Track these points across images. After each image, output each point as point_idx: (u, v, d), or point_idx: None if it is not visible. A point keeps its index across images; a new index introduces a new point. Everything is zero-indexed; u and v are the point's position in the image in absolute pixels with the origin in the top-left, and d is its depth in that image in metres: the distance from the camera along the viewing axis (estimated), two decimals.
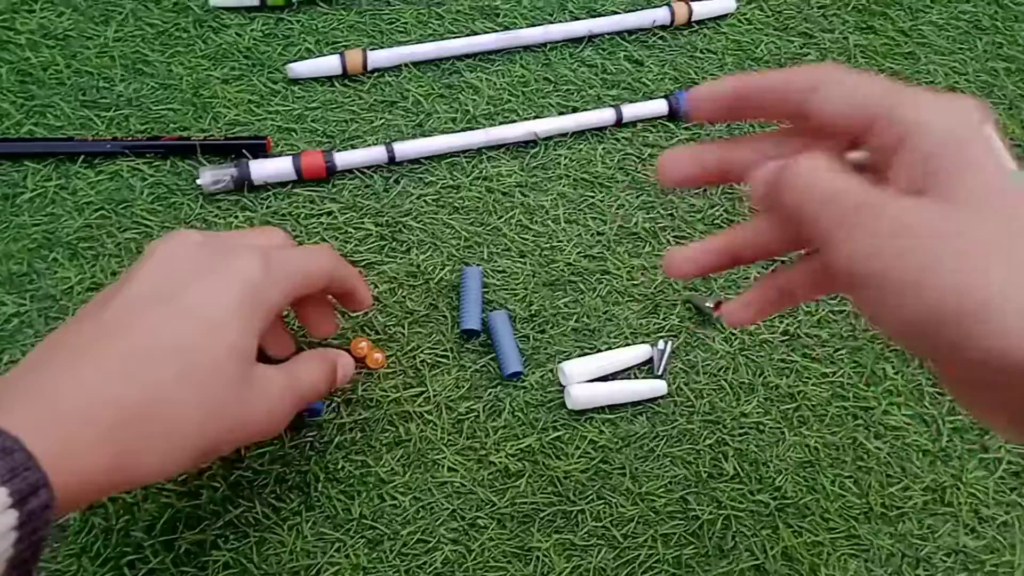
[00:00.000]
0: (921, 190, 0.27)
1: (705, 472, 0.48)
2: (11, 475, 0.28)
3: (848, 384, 0.51)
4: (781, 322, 0.52)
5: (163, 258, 0.37)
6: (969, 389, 0.29)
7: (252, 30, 0.57)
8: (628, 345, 0.51)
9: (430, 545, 0.45)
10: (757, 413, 0.50)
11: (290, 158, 0.52)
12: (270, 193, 0.52)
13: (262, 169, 0.51)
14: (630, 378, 0.50)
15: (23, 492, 0.28)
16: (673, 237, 0.54)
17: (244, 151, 0.52)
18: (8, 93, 0.53)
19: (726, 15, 0.63)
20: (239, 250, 0.38)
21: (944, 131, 0.28)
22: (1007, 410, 0.28)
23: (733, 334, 0.52)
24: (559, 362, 0.49)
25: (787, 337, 0.52)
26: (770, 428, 0.49)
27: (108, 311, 0.35)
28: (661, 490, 0.47)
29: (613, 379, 0.50)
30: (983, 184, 0.26)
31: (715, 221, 0.55)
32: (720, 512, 0.47)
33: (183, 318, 0.35)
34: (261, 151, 0.52)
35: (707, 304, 0.51)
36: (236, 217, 0.51)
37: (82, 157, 0.52)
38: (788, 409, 0.50)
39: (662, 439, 0.49)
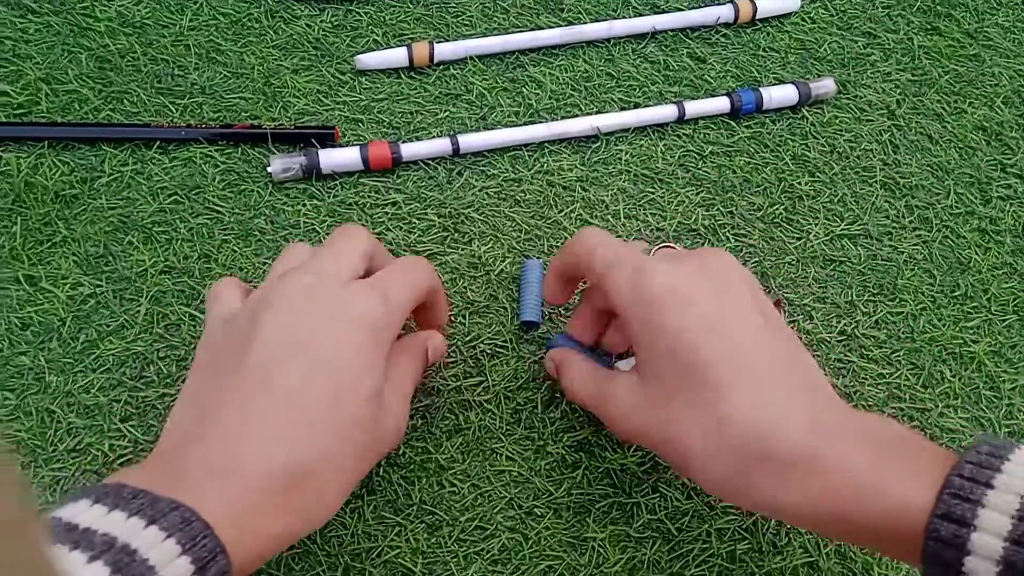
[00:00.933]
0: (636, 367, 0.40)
1: None
2: (191, 544, 0.29)
3: (905, 385, 0.51)
4: (839, 322, 0.53)
5: (281, 310, 0.37)
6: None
7: (322, 21, 0.58)
8: None
9: (488, 532, 0.46)
10: None
11: (357, 148, 0.53)
12: (337, 182, 0.53)
13: (330, 158, 0.52)
14: None
15: (203, 559, 0.30)
16: (732, 234, 0.54)
17: (313, 140, 0.53)
18: (87, 79, 0.55)
19: (790, 13, 0.63)
20: (355, 291, 0.39)
21: (632, 302, 0.39)
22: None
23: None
24: (616, 360, 0.50)
25: (844, 337, 0.52)
26: None
27: (248, 372, 0.36)
28: None
29: None
30: (651, 354, 0.39)
31: (774, 220, 0.55)
32: None
33: (321, 373, 0.36)
34: (329, 140, 0.54)
35: None
36: (304, 205, 0.52)
37: (157, 143, 0.53)
38: None
39: None
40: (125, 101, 0.54)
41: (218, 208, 0.52)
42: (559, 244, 0.53)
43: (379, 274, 0.41)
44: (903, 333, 0.53)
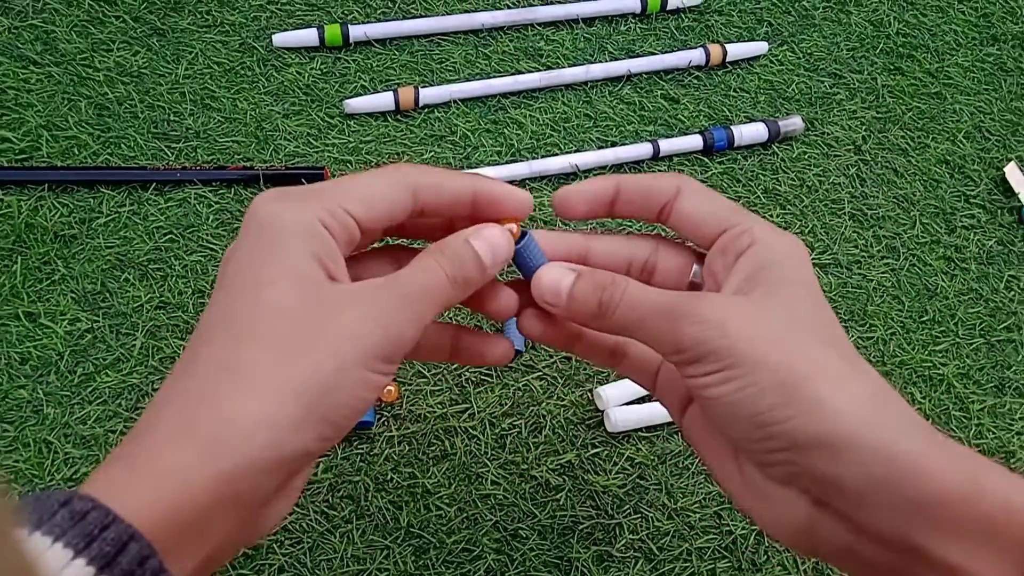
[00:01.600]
0: (744, 291, 0.31)
1: None
2: (87, 541, 0.24)
3: None
4: None
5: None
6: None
7: (311, 68, 0.61)
8: None
9: (474, 554, 0.47)
10: None
11: None
12: None
13: None
14: None
15: (106, 555, 0.24)
16: None
17: (303, 180, 0.56)
18: (87, 125, 0.57)
19: (758, 56, 0.66)
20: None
21: (781, 252, 0.32)
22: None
23: None
24: (596, 385, 0.52)
25: None
26: None
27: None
28: (696, 506, 0.49)
29: (651, 401, 0.52)
30: (801, 301, 0.31)
31: None
32: (753, 528, 0.49)
33: (229, 306, 0.29)
34: (319, 181, 0.56)
35: None
36: None
37: (153, 185, 0.55)
38: None
39: (697, 457, 0.51)
40: (123, 145, 0.57)
41: (212, 246, 0.54)
42: None
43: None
44: (874, 357, 0.55)
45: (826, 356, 0.29)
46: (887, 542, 0.28)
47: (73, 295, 0.52)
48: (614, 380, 0.52)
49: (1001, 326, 0.57)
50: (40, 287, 0.52)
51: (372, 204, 0.31)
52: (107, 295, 0.52)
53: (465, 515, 0.48)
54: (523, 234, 0.33)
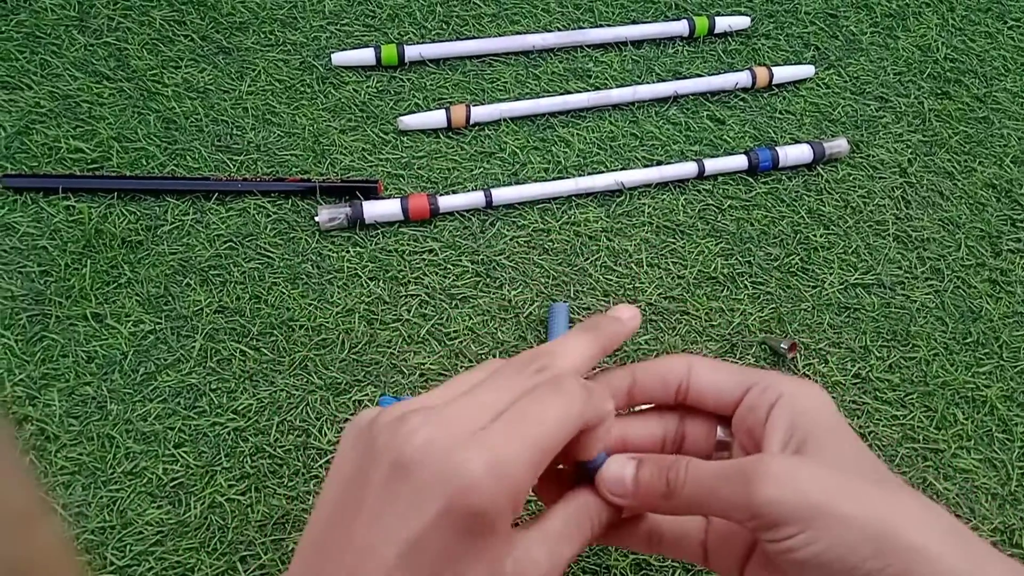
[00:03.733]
0: (796, 451, 0.32)
1: None
2: None
3: (918, 427, 0.53)
4: (853, 366, 0.55)
5: (389, 471, 0.29)
6: None
7: (368, 87, 0.63)
8: None
9: None
10: None
11: (398, 200, 0.57)
12: (379, 231, 0.58)
13: (373, 209, 0.57)
14: None
15: None
16: (750, 282, 0.57)
17: (358, 193, 0.58)
18: (155, 138, 0.60)
19: (805, 79, 0.67)
20: (449, 467, 0.28)
21: (811, 401, 0.33)
22: None
23: (807, 375, 0.54)
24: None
25: (859, 380, 0.55)
26: None
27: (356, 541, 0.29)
28: None
29: None
30: (846, 447, 0.32)
31: (790, 269, 0.58)
32: None
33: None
34: (373, 193, 0.58)
35: (782, 346, 0.54)
36: (348, 252, 0.57)
37: (215, 195, 0.58)
38: None
39: None
40: (188, 157, 0.59)
41: (269, 254, 0.56)
42: (585, 290, 0.56)
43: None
44: (916, 377, 0.55)
45: (900, 500, 0.30)
46: None
47: (138, 298, 0.54)
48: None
49: None
50: (107, 290, 0.55)
51: (553, 453, 0.30)
52: (169, 299, 0.55)
53: None
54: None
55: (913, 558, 0.28)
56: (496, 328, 0.55)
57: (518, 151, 0.62)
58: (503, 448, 0.28)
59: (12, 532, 0.19)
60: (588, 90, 0.64)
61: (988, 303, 0.58)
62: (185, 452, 0.50)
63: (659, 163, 0.62)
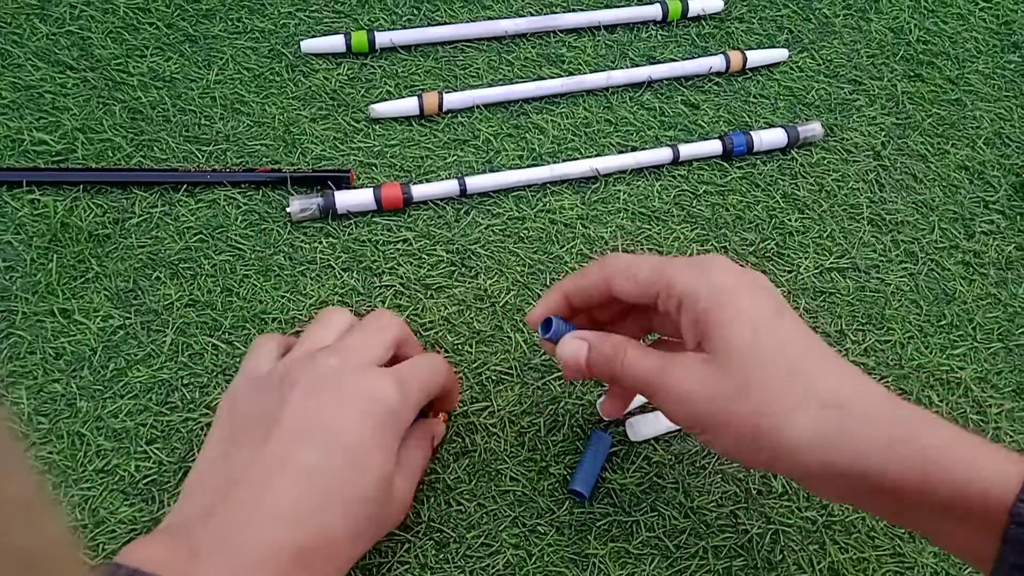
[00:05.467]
0: (700, 347, 0.38)
1: (755, 488, 0.50)
2: None
3: None
4: None
5: (307, 391, 0.41)
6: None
7: (338, 74, 0.62)
8: None
9: (493, 549, 0.48)
10: None
11: (371, 190, 0.56)
12: (352, 221, 0.57)
13: (345, 199, 0.56)
14: None
15: None
16: None
17: (329, 183, 0.57)
18: (121, 129, 0.59)
19: (778, 63, 0.66)
20: (376, 377, 0.42)
21: (706, 295, 0.38)
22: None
23: None
24: (598, 396, 0.52)
25: None
26: None
27: (268, 450, 0.39)
28: (712, 504, 0.50)
29: None
30: (739, 339, 0.37)
31: (766, 254, 0.58)
32: (769, 527, 0.49)
33: (337, 453, 0.39)
34: (345, 183, 0.57)
35: None
36: (320, 243, 0.56)
37: (184, 186, 0.57)
38: None
39: (713, 457, 0.51)
40: (155, 148, 0.58)
41: (240, 246, 0.56)
42: (559, 277, 0.56)
43: (401, 365, 0.44)
44: (891, 361, 0.55)
45: (781, 396, 0.36)
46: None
47: (106, 292, 0.53)
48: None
49: (1019, 331, 0.57)
50: (74, 284, 0.53)
51: (435, 392, 0.46)
52: (139, 293, 0.54)
53: (485, 510, 0.49)
54: (548, 321, 0.43)
55: (777, 457, 0.36)
56: (472, 317, 0.54)
57: (492, 138, 0.61)
58: (403, 373, 0.43)
59: (19, 523, 0.20)
60: (562, 76, 0.64)
61: (962, 285, 0.59)
62: (157, 449, 0.49)
63: (634, 149, 0.61)
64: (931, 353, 0.56)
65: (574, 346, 0.42)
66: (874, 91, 0.66)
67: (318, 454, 0.39)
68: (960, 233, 0.61)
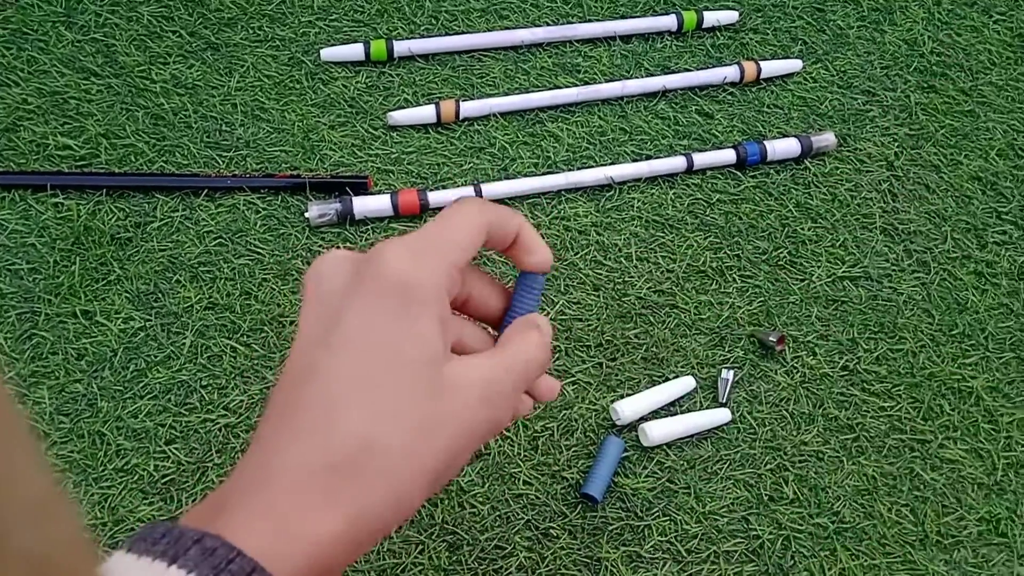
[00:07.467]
0: None
1: (766, 495, 0.51)
2: (215, 573, 0.27)
3: (906, 418, 0.54)
4: (841, 358, 0.55)
5: (315, 294, 0.34)
6: None
7: (357, 82, 0.63)
8: (694, 375, 0.54)
9: (506, 551, 0.49)
10: (816, 442, 0.53)
11: (388, 196, 0.57)
12: (369, 227, 0.58)
13: (363, 205, 0.57)
14: (693, 409, 0.53)
15: None
16: (739, 275, 0.58)
17: (347, 189, 0.58)
18: (143, 134, 0.60)
19: (793, 74, 0.67)
20: (377, 252, 0.33)
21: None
22: None
23: (795, 368, 0.55)
24: (611, 401, 0.53)
25: (846, 372, 0.55)
26: (829, 456, 0.52)
27: (288, 365, 0.34)
28: (724, 510, 0.50)
29: (678, 412, 0.53)
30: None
31: (778, 262, 0.58)
32: (780, 533, 0.50)
33: (353, 353, 0.33)
34: (363, 189, 0.58)
35: (770, 339, 0.54)
36: (338, 248, 0.57)
37: (205, 191, 0.58)
38: (847, 439, 0.53)
39: (725, 463, 0.52)
40: (177, 154, 0.59)
41: (259, 250, 0.56)
42: (575, 284, 0.56)
43: (413, 234, 0.35)
44: (903, 369, 0.56)
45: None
46: None
47: (127, 295, 0.54)
48: (645, 387, 0.53)
49: None
50: (96, 287, 0.54)
51: (469, 252, 0.34)
52: (159, 295, 0.55)
53: (498, 513, 0.49)
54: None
55: None
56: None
57: (507, 146, 0.62)
58: (417, 241, 0.33)
59: (32, 521, 0.19)
60: (577, 85, 0.64)
61: (974, 295, 0.59)
62: (176, 449, 0.50)
63: (648, 157, 0.62)
64: (943, 362, 0.56)
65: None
66: (887, 102, 0.67)
67: (333, 356, 0.33)
68: (972, 243, 0.61)
